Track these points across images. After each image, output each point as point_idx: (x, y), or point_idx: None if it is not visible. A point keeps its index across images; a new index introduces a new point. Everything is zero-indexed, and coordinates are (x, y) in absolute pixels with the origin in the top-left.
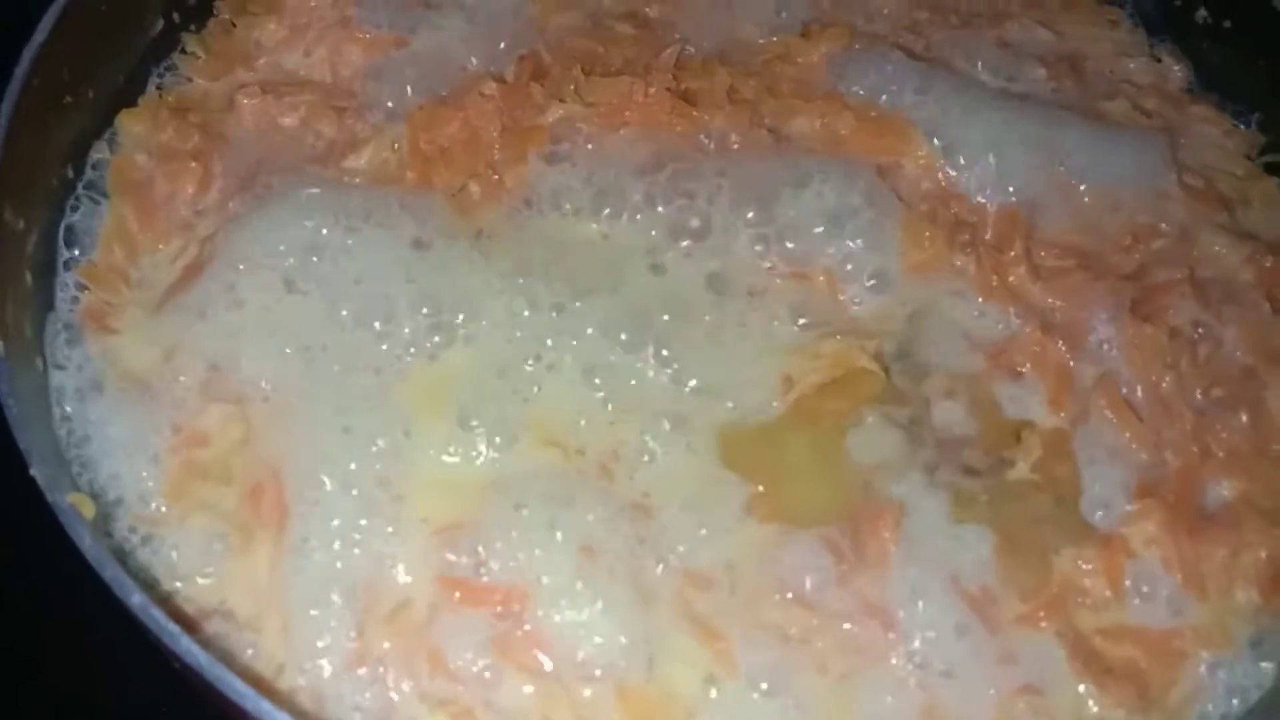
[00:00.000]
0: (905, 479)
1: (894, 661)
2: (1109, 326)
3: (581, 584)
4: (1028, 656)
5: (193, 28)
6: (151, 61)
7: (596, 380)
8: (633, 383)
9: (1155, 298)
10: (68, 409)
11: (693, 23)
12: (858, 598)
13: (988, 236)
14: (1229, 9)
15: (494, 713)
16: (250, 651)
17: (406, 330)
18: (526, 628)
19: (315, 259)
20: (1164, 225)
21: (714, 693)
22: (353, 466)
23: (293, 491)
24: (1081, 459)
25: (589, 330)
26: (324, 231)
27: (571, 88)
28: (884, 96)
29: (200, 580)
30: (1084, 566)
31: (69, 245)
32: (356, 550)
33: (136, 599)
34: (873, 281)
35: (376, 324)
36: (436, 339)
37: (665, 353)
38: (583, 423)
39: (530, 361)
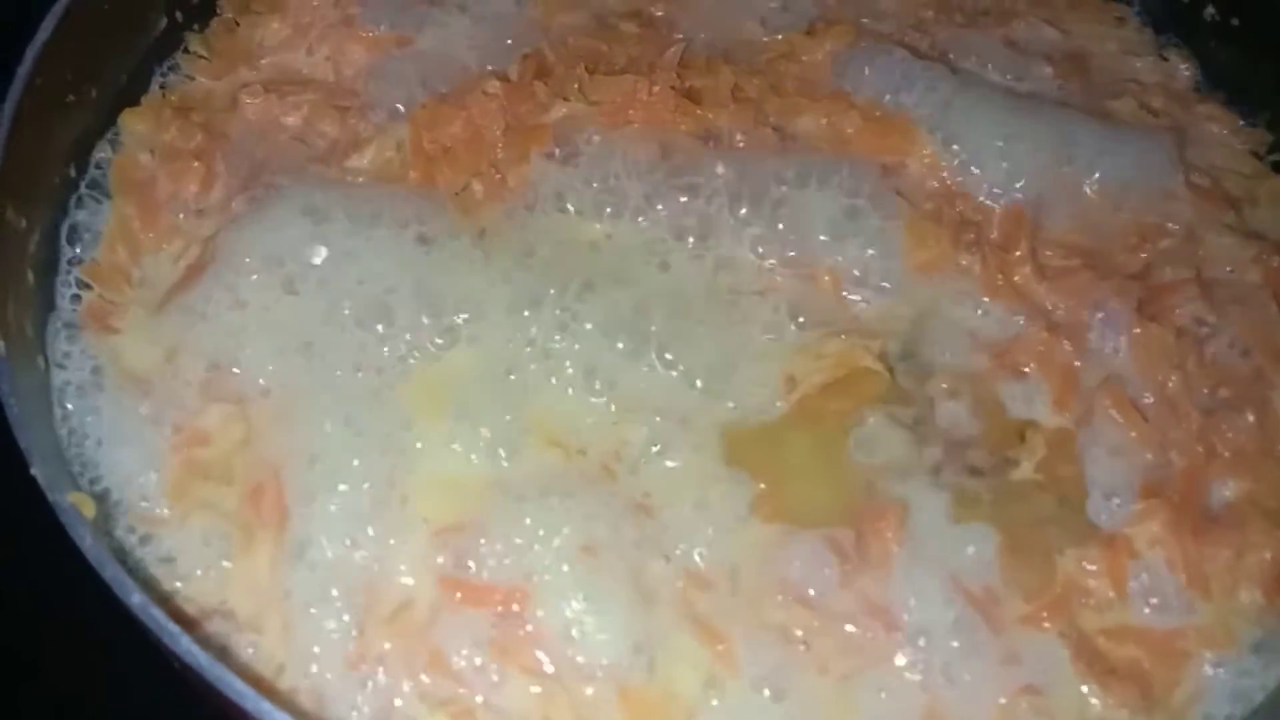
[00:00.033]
0: (909, 479)
1: (897, 662)
2: (1115, 326)
3: (583, 584)
4: (1031, 657)
5: (196, 27)
6: (154, 60)
7: (599, 380)
8: (635, 383)
9: (1161, 297)
10: (69, 408)
11: (697, 21)
12: (860, 598)
13: (993, 236)
14: (1237, 7)
15: (494, 713)
16: (250, 651)
17: (409, 330)
18: (527, 628)
19: (318, 259)
20: (1170, 224)
21: (715, 694)
22: (354, 466)
23: (293, 491)
24: (1086, 459)
25: (592, 330)
26: (326, 231)
27: (575, 86)
28: (889, 95)
29: (200, 580)
30: (1088, 567)
31: (71, 244)
32: (357, 550)
33: (136, 599)
34: (877, 281)
35: (378, 324)
36: (439, 339)
37: (668, 353)
38: (585, 423)
39: (533, 361)
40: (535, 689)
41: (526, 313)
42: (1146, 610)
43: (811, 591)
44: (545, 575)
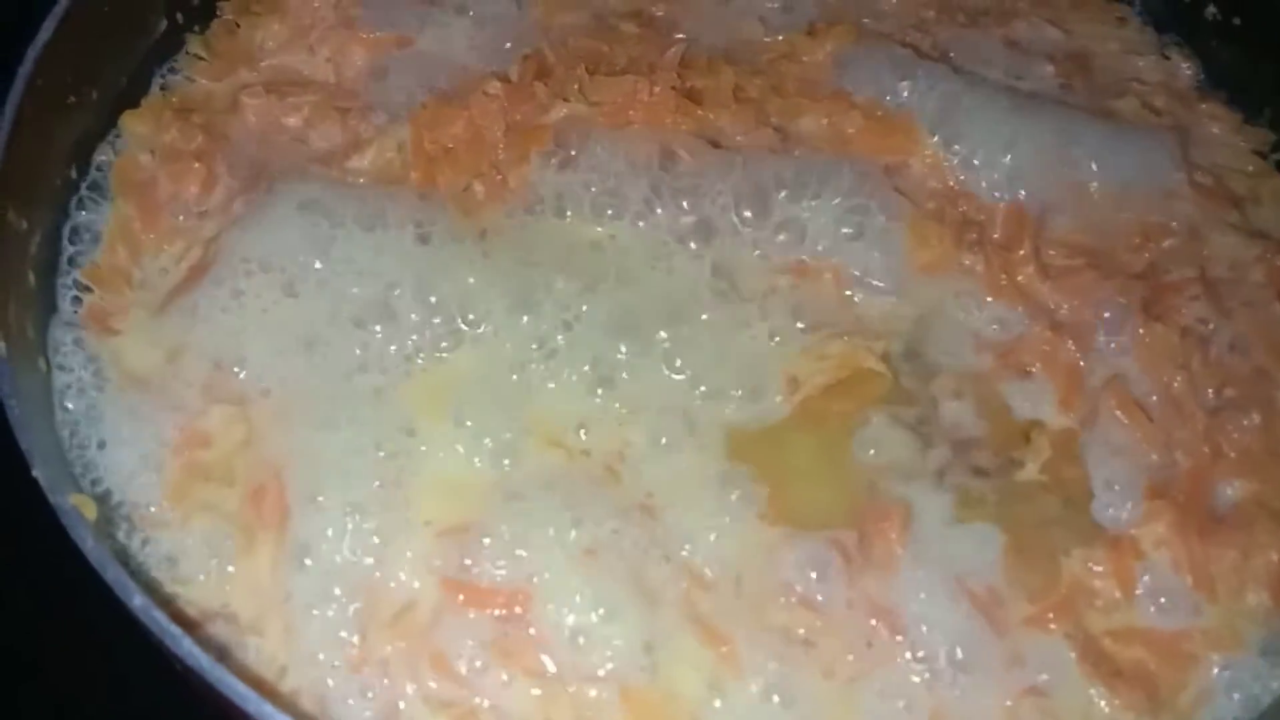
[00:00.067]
0: (912, 480)
1: (901, 664)
2: (1119, 326)
3: (585, 586)
4: (1036, 658)
5: (196, 28)
6: (155, 62)
7: (601, 381)
8: (638, 384)
9: (1166, 297)
10: (70, 410)
11: (697, 21)
12: (864, 599)
13: (996, 236)
14: (1238, 6)
15: (497, 715)
16: (252, 654)
17: (410, 331)
18: (530, 630)
19: (319, 260)
20: (1174, 224)
21: (718, 695)
22: (356, 468)
23: (295, 493)
24: (1091, 460)
25: (594, 331)
26: (328, 232)
27: (576, 87)
28: (890, 95)
29: (202, 582)
30: (1093, 568)
31: (73, 246)
32: (359, 552)
33: (138, 601)
34: (880, 282)
35: (380, 325)
36: (440, 340)
37: (670, 353)
38: (587, 424)
39: (535, 362)
40: (538, 691)
41: (528, 314)
42: (1153, 612)
43: (815, 593)
44: (548, 577)
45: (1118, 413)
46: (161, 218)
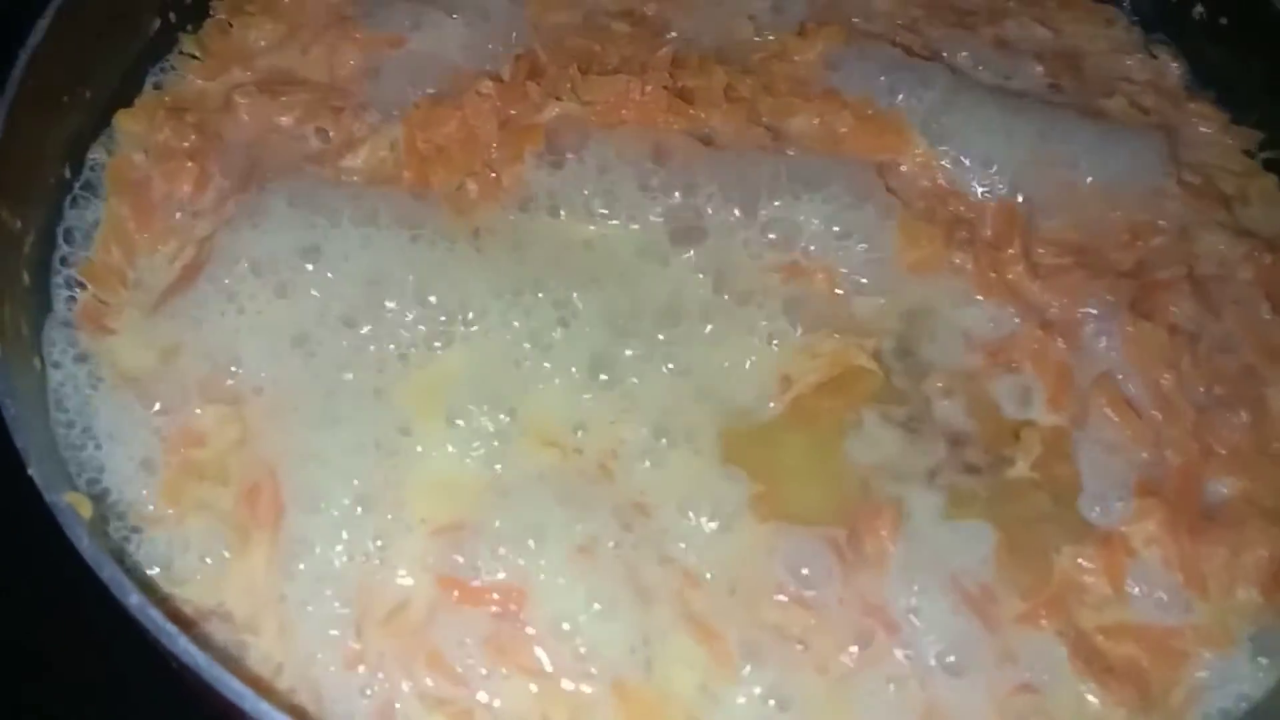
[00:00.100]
0: (904, 478)
1: (894, 660)
2: (1108, 324)
3: (580, 584)
4: (1028, 655)
5: (189, 28)
6: (148, 61)
7: (594, 380)
8: (630, 382)
9: (1154, 295)
10: (65, 409)
11: (689, 20)
12: (857, 597)
13: (986, 234)
14: (1225, 6)
15: (492, 713)
16: (248, 652)
17: (404, 330)
18: (525, 628)
19: (312, 259)
20: (1162, 222)
21: (712, 693)
22: (350, 466)
23: (290, 492)
24: (1081, 457)
25: (587, 330)
26: (321, 231)
27: (568, 86)
28: (881, 95)
29: (197, 581)
30: (1084, 565)
31: (67, 245)
32: (354, 550)
33: (134, 599)
34: (871, 280)
35: (373, 324)
36: (434, 339)
37: (663, 352)
38: (581, 422)
39: (528, 361)
40: (533, 688)
41: (521, 313)
42: (1144, 609)
43: (808, 591)
44: (542, 575)
45: (1107, 410)
46: (155, 217)
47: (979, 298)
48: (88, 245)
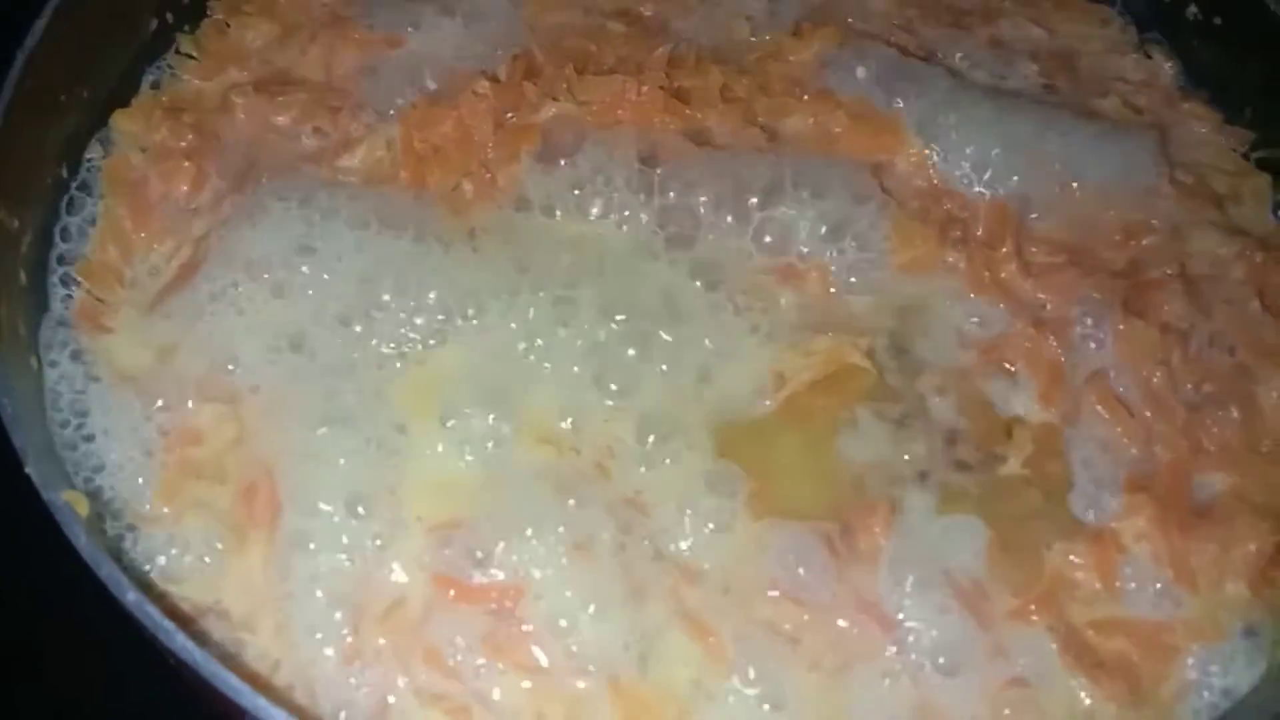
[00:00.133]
0: (897, 475)
1: (886, 656)
2: (1100, 322)
3: (575, 581)
4: (1020, 650)
5: (186, 28)
6: (145, 61)
7: (590, 378)
8: (626, 380)
9: (1146, 294)
10: (62, 407)
11: (685, 21)
12: (850, 593)
13: (979, 233)
14: (1219, 6)
15: (488, 709)
16: (245, 649)
17: (400, 329)
18: (521, 625)
19: (309, 259)
20: (1155, 221)
21: (707, 689)
22: (347, 465)
23: (286, 490)
24: (1072, 454)
25: (582, 328)
26: (317, 231)
27: (564, 86)
28: (876, 95)
29: (194, 579)
30: (1075, 561)
31: (64, 244)
32: (351, 548)
33: (131, 596)
34: (864, 279)
35: (369, 323)
36: (429, 338)
37: (658, 351)
38: (576, 421)
39: (523, 360)
40: (528, 684)
41: (516, 312)
42: (1134, 604)
43: (802, 587)
44: (538, 572)
45: (1099, 408)
46: (152, 216)
47: (972, 296)
48: (84, 245)
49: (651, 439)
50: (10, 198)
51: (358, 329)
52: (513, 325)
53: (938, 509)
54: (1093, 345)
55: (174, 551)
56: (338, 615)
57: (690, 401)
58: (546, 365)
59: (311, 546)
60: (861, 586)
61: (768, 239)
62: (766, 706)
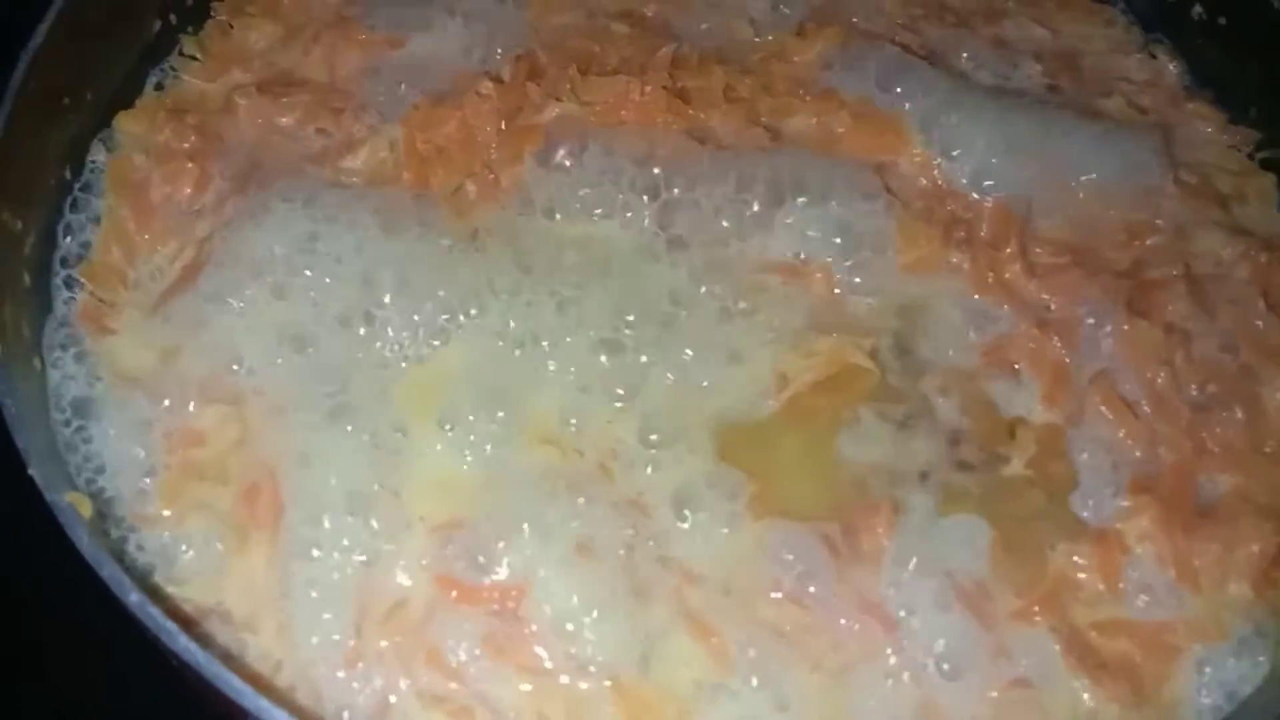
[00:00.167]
0: (900, 476)
1: (889, 657)
2: (1104, 323)
3: (578, 582)
4: (1023, 651)
5: (190, 29)
6: (149, 63)
7: (592, 379)
8: (628, 382)
9: (1150, 294)
10: (65, 409)
11: (689, 21)
12: (853, 594)
13: (983, 233)
14: (1223, 6)
15: (490, 710)
16: (248, 650)
17: (403, 330)
18: (523, 626)
19: (311, 259)
20: (1159, 221)
21: (709, 689)
22: (349, 465)
23: (289, 491)
24: (1076, 455)
25: (585, 329)
26: (320, 232)
27: (568, 87)
28: (880, 94)
29: (197, 581)
30: (1078, 562)
31: (67, 245)
32: (353, 549)
33: (134, 597)
34: (868, 279)
35: (372, 324)
36: (432, 339)
37: (660, 352)
38: (579, 421)
39: (526, 361)
40: (530, 686)
41: (519, 312)
42: (1137, 604)
43: (804, 588)
44: (541, 574)
45: (1103, 409)
46: (155, 218)
47: (975, 297)
48: (88, 246)
49: (654, 439)
50: (14, 199)
51: (360, 330)
52: (515, 326)
53: (940, 509)
54: (1097, 345)
55: (176, 553)
56: (340, 617)
57: (693, 402)
58: (549, 366)
59: (314, 548)
60: (864, 587)
61: (770, 239)
62: (769, 707)
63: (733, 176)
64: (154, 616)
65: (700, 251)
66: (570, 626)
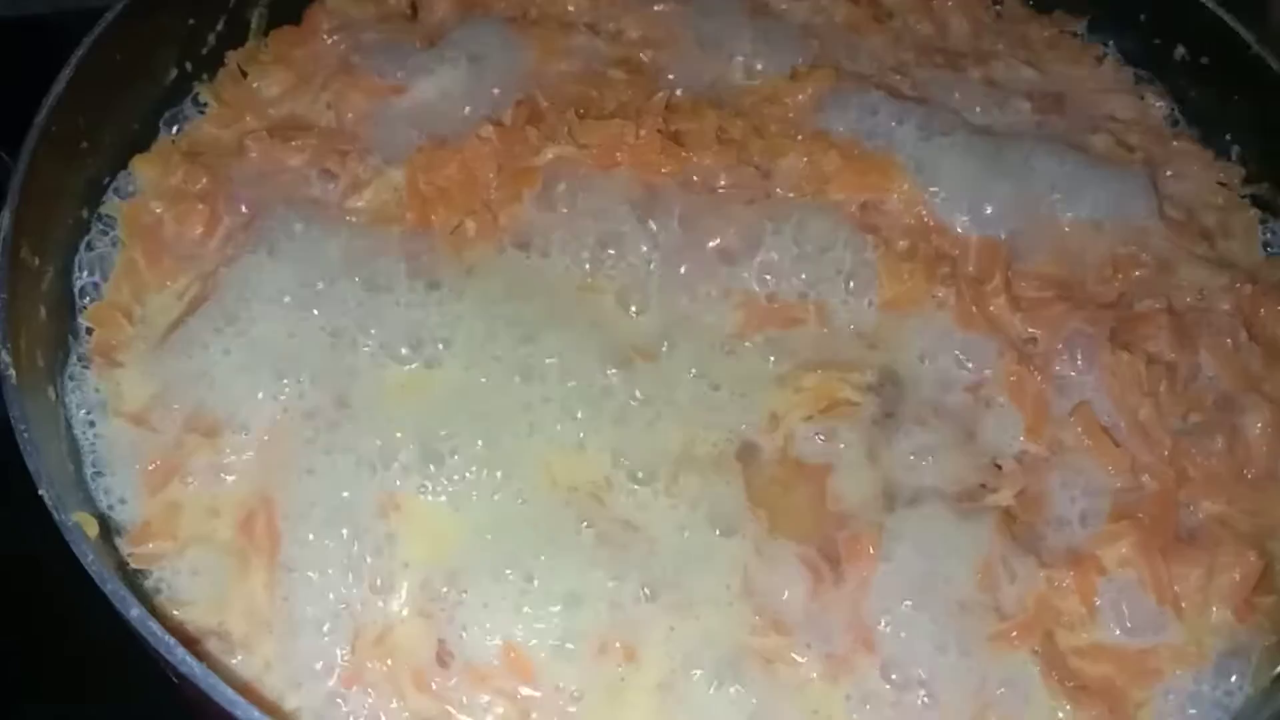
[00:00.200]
0: (886, 505)
1: (870, 679)
2: (1087, 355)
3: (566, 612)
4: (1002, 674)
5: (205, 77)
6: (164, 108)
7: (585, 419)
8: (620, 419)
9: (1134, 327)
10: (75, 437)
11: (684, 68)
12: (837, 618)
13: (969, 269)
14: (1206, 47)
15: None
16: (246, 671)
17: (399, 365)
18: (510, 654)
19: (313, 296)
20: (1144, 255)
21: (694, 713)
22: (343, 499)
23: (285, 519)
24: (1058, 485)
25: (578, 367)
26: (323, 270)
27: (566, 130)
28: (868, 134)
29: (197, 606)
30: (1060, 587)
31: (82, 282)
32: (348, 574)
33: (135, 612)
34: (854, 315)
35: (370, 359)
36: (429, 374)
37: (652, 389)
38: (570, 458)
39: (519, 397)
40: (519, 711)
41: (514, 351)
42: (1118, 629)
43: (789, 612)
44: (529, 606)
45: (1085, 439)
46: (166, 256)
47: (959, 331)
48: (102, 282)
49: (644, 477)
50: (33, 237)
51: (358, 364)
52: (509, 363)
53: (924, 536)
54: (1079, 377)
55: (176, 580)
56: (335, 640)
57: (684, 440)
58: (541, 405)
59: (310, 573)
60: (848, 611)
61: (761, 279)
62: None
63: (723, 216)
64: (154, 630)
65: (692, 291)
66: (558, 655)
